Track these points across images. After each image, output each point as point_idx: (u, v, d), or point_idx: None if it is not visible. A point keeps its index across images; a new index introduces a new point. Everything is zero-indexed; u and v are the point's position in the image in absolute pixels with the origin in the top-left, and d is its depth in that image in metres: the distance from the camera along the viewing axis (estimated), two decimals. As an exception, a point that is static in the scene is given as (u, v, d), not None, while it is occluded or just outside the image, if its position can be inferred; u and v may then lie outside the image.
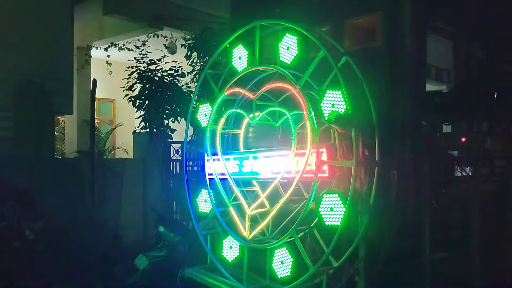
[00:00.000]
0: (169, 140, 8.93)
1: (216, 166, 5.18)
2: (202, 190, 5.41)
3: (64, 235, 7.08)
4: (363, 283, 4.04)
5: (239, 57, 5.02)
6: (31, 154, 7.79)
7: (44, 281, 6.11)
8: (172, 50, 10.18)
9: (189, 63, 8.10)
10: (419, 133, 4.58)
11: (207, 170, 5.31)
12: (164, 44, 9.76)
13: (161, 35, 10.08)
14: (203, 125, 5.44)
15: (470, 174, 5.80)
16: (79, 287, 6.23)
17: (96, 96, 8.37)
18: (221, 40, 7.09)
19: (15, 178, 7.26)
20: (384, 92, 4.38)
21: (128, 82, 8.22)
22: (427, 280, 4.39)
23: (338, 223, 3.87)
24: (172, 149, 9.58)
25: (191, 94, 8.17)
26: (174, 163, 9.76)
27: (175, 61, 8.33)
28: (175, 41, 10.15)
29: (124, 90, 8.27)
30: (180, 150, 9.84)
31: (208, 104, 5.39)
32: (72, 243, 7.05)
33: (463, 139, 6.11)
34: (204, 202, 5.40)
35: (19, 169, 7.50)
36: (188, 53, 8.08)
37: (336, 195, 3.89)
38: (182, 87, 8.19)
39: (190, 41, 8.13)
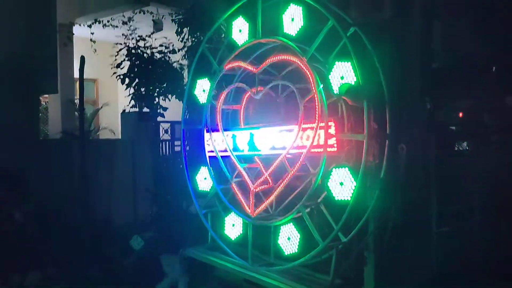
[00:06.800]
0: (158, 119, 8.74)
1: (217, 142, 5.05)
2: (202, 167, 5.28)
3: (54, 217, 6.92)
4: (373, 258, 4.01)
5: (240, 30, 4.86)
6: (16, 135, 7.53)
7: (39, 264, 5.96)
8: (158, 27, 9.90)
9: (180, 39, 7.86)
10: (425, 107, 4.52)
11: (207, 147, 5.18)
12: (153, 20, 9.47)
13: (148, 11, 9.77)
14: (201, 101, 5.28)
15: (467, 148, 5.80)
16: (75, 270, 6.09)
17: (77, 77, 8.07)
18: (214, 14, 6.90)
19: (1, 160, 7.02)
20: (391, 65, 4.28)
21: (116, 59, 7.95)
22: (433, 253, 4.38)
23: (349, 198, 3.79)
24: (161, 128, 9.41)
25: (183, 71, 7.98)
26: (163, 143, 9.60)
27: (166, 37, 8.08)
28: (162, 18, 9.86)
29: (112, 68, 8.01)
30: (169, 130, 9.68)
31: (206, 79, 5.22)
32: (64, 225, 6.90)
33: (461, 114, 6.09)
34: (203, 180, 5.26)
35: (3, 150, 7.26)
36: (179, 29, 7.84)
37: (346, 169, 3.81)
38: (173, 64, 7.97)
39: (180, 16, 7.88)
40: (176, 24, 7.82)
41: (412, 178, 4.17)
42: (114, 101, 13.13)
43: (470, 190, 4.67)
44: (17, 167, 6.94)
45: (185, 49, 7.85)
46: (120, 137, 10.07)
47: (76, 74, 11.15)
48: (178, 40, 7.87)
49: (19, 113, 7.64)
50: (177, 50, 7.97)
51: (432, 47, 4.46)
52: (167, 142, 9.62)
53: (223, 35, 7.33)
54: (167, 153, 9.70)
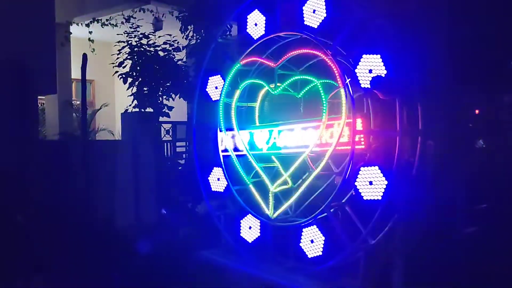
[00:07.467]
0: (159, 120, 8.50)
1: (231, 141, 4.84)
2: (214, 168, 5.07)
3: (55, 220, 6.68)
4: (401, 261, 3.82)
5: (255, 24, 4.66)
6: (15, 137, 7.27)
7: (41, 267, 5.72)
8: (158, 26, 9.67)
9: (184, 36, 7.63)
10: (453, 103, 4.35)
11: (221, 147, 4.97)
12: (156, 17, 9.22)
13: (147, 10, 9.52)
14: (214, 99, 5.07)
15: (483, 146, 5.66)
16: (77, 272, 5.85)
17: (74, 77, 7.83)
18: (221, 10, 6.71)
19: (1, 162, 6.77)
20: (417, 59, 4.11)
21: (118, 57, 7.70)
22: (460, 253, 4.21)
23: (379, 197, 3.60)
24: (162, 129, 9.17)
25: (187, 69, 7.76)
26: (165, 144, 9.37)
27: (170, 35, 7.84)
28: (162, 16, 9.63)
29: (114, 67, 7.75)
30: (170, 130, 9.44)
31: (219, 76, 5.01)
32: (65, 228, 6.66)
33: (477, 111, 5.94)
34: (216, 181, 5.05)
35: (2, 152, 7.02)
36: (183, 27, 7.60)
37: (376, 167, 3.62)
38: (178, 62, 7.73)
39: (184, 14, 7.65)
40: (180, 22, 7.60)
41: (441, 176, 4.01)
42: (111, 103, 12.87)
43: (500, 188, 4.51)
44: (17, 169, 6.70)
45: (190, 46, 7.63)
46: (119, 138, 9.82)
47: (73, 75, 10.93)
48: (183, 38, 7.65)
49: (18, 114, 7.38)
50: (181, 48, 7.73)
51: (460, 42, 4.29)
52: (169, 143, 9.39)
53: (228, 33, 7.14)
54: (169, 154, 9.47)
